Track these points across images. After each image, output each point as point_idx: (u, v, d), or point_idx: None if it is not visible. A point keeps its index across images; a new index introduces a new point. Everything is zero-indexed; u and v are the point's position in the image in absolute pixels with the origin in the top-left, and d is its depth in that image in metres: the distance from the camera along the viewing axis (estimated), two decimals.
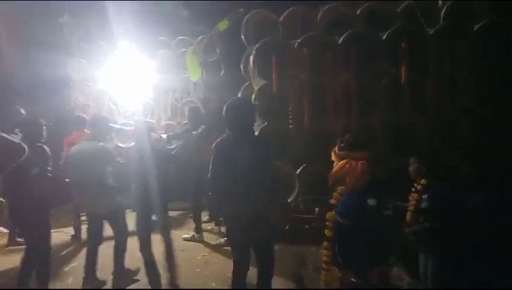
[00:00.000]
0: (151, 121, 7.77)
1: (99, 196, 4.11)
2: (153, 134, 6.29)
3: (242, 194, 3.18)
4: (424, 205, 3.28)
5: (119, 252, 4.32)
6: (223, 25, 7.07)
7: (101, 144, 4.16)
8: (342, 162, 2.80)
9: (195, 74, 7.58)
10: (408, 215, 3.38)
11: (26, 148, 3.75)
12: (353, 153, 2.79)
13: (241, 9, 6.66)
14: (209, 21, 7.76)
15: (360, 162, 2.73)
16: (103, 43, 8.17)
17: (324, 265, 3.01)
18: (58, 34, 8.23)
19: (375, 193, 2.79)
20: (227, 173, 3.19)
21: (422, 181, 3.31)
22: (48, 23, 8.04)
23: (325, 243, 3.00)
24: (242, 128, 3.25)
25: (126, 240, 4.36)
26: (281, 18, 5.53)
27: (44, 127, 4.17)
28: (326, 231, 2.97)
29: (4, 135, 3.68)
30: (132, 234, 4.31)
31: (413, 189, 3.37)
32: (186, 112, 6.46)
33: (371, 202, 2.77)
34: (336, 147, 2.91)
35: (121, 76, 8.01)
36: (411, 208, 3.36)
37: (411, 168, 3.42)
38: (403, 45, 5.03)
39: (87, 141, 4.27)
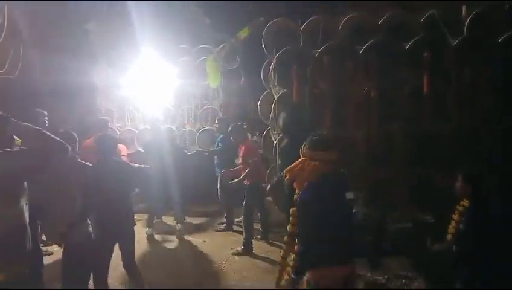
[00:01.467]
0: (172, 127, 7.88)
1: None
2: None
3: None
4: (461, 227, 3.19)
5: None
6: (244, 33, 7.15)
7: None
8: (298, 160, 2.89)
9: (215, 81, 7.73)
10: (449, 238, 3.29)
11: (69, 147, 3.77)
12: (313, 153, 2.83)
13: (262, 18, 6.70)
14: (230, 29, 7.85)
15: (313, 163, 2.77)
16: (126, 50, 8.29)
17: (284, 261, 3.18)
18: (84, 40, 8.35)
19: (331, 189, 2.75)
20: None
21: (464, 203, 3.22)
22: (73, 29, 8.16)
23: (286, 238, 3.21)
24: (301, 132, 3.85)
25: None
26: (302, 27, 5.51)
27: None
28: (288, 227, 3.12)
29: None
30: None
31: (456, 210, 3.29)
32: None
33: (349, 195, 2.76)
34: (304, 146, 2.96)
35: (144, 82, 8.19)
36: (451, 230, 3.27)
37: (457, 185, 3.33)
38: (425, 55, 4.97)
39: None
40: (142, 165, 4.26)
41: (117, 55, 8.35)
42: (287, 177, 2.98)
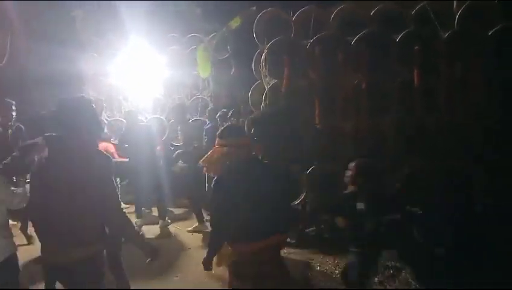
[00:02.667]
0: (161, 117, 7.78)
1: None
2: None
3: None
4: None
5: None
6: (235, 23, 7.08)
7: None
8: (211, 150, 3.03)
9: (205, 71, 7.66)
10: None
11: None
12: (221, 140, 2.92)
13: (254, 8, 6.63)
14: (221, 19, 7.75)
15: (221, 149, 2.88)
16: (114, 38, 8.17)
17: None
18: (71, 28, 8.20)
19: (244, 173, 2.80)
20: None
21: (351, 188, 3.43)
22: (60, 17, 8.02)
23: None
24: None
25: None
26: (294, 17, 5.50)
27: None
28: None
29: None
30: None
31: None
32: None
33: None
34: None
35: (132, 71, 8.06)
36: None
37: (347, 173, 3.59)
38: (416, 47, 5.00)
39: None
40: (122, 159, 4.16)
41: (105, 44, 8.23)
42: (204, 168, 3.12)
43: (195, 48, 7.84)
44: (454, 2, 5.18)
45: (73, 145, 2.38)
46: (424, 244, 5.04)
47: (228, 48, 7.84)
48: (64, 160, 2.36)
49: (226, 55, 7.90)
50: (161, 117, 7.88)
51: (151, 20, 8.02)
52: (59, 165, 2.36)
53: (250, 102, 5.94)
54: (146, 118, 7.73)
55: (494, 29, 4.87)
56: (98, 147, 2.56)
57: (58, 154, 2.37)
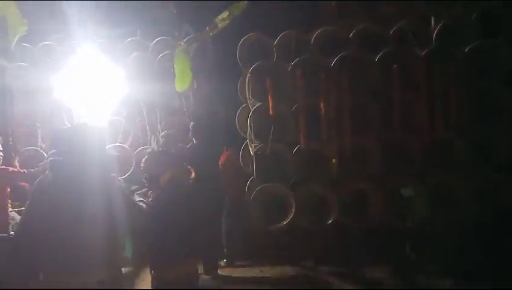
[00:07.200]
0: (124, 145, 6.32)
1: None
2: None
3: None
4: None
5: None
6: (223, 21, 5.50)
7: None
8: None
9: (184, 83, 5.95)
10: None
11: None
12: None
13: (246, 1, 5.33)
14: (194, 16, 6.50)
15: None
16: (51, 43, 6.55)
17: None
18: None
19: None
20: None
21: None
22: None
23: None
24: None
25: None
26: (275, 41, 5.76)
27: None
28: None
29: None
30: None
31: None
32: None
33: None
34: None
35: (80, 86, 5.45)
36: None
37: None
38: (394, 66, 5.24)
39: None
40: None
41: (38, 51, 6.52)
42: None
43: (167, 53, 6.30)
44: (432, 21, 5.46)
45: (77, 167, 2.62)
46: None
47: (209, 54, 6.44)
48: (71, 180, 2.59)
49: (207, 64, 6.47)
50: (123, 145, 6.28)
51: (101, 20, 6.53)
52: (66, 185, 2.58)
53: (237, 124, 6.13)
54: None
55: (469, 46, 5.13)
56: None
57: (64, 176, 2.61)
